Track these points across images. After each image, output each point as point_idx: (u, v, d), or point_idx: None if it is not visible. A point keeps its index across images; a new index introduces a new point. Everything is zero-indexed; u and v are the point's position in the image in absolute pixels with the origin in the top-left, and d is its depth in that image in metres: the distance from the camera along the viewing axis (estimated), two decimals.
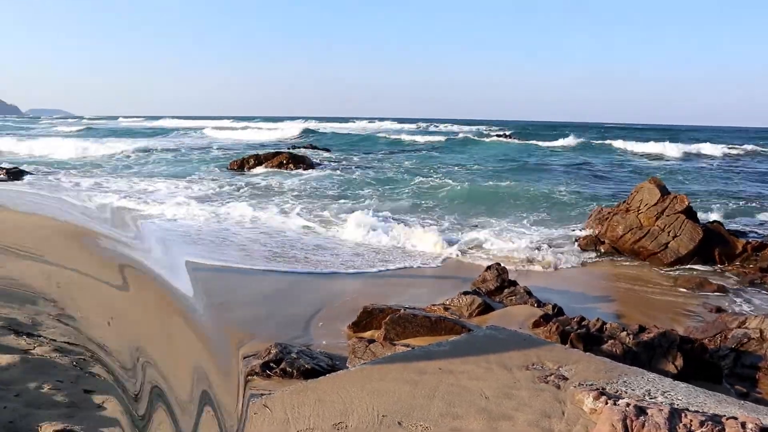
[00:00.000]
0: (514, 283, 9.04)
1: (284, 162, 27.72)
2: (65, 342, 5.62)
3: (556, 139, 53.55)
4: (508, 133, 68.31)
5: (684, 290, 10.11)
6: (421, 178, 24.15)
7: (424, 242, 12.61)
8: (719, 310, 8.84)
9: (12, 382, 4.27)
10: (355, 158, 34.74)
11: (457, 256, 11.98)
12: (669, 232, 12.25)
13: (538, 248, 12.49)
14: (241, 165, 28.32)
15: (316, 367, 5.97)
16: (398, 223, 14.45)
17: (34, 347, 5.21)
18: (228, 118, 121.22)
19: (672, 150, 44.34)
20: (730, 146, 48.87)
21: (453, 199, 19.42)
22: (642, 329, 6.66)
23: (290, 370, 5.88)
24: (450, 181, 22.64)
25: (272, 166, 27.50)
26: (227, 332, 7.27)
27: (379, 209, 16.81)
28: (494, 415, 3.94)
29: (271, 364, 5.96)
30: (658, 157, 42.04)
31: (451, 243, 12.61)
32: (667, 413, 3.61)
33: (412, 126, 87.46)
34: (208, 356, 6.42)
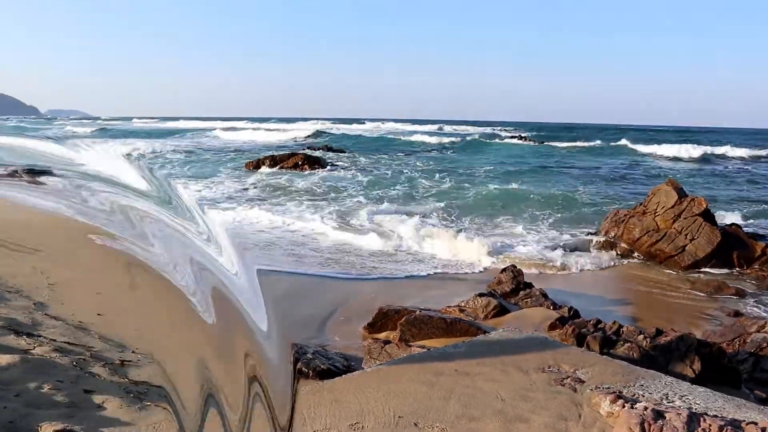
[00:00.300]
0: (529, 286, 9.00)
1: (299, 163, 27.85)
2: (65, 342, 6.08)
3: (574, 141, 53.18)
4: (524, 134, 67.72)
5: (701, 294, 10.00)
6: (443, 181, 24.16)
7: (467, 250, 12.26)
8: (737, 314, 8.75)
9: (12, 382, 4.52)
10: (369, 159, 34.73)
11: (493, 263, 11.63)
12: (686, 235, 12.10)
13: (554, 250, 12.42)
14: (257, 165, 28.49)
15: (331, 367, 5.96)
16: (437, 228, 14.35)
17: (34, 347, 5.63)
18: (240, 119, 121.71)
19: (691, 152, 43.60)
20: (752, 148, 48.01)
21: (476, 202, 19.36)
22: (659, 332, 6.60)
23: (306, 370, 5.84)
24: (467, 185, 22.58)
25: (288, 167, 27.62)
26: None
27: (409, 212, 16.69)
28: (510, 417, 3.94)
29: None
30: (677, 158, 41.61)
31: (492, 251, 12.26)
32: (685, 417, 3.60)
33: (425, 127, 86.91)
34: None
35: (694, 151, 43.86)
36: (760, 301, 9.63)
